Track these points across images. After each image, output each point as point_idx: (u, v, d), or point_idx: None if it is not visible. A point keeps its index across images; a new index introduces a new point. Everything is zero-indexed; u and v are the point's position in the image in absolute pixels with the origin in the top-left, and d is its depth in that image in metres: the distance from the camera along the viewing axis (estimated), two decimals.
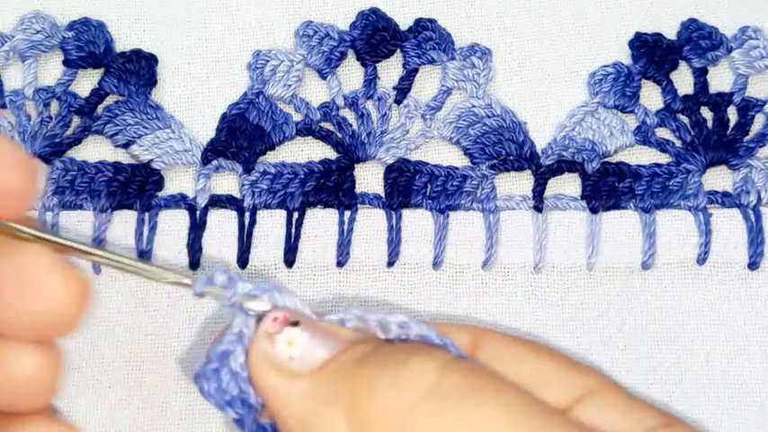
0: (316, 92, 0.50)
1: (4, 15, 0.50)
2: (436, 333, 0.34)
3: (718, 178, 0.49)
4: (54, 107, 0.49)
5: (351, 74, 0.50)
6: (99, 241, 0.47)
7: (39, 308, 0.31)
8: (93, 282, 0.33)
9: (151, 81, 0.49)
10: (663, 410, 0.35)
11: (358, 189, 0.48)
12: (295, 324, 0.34)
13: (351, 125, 0.49)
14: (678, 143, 0.49)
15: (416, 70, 0.50)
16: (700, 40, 0.50)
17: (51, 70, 0.50)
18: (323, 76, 0.50)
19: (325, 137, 0.49)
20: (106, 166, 0.48)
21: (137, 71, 0.49)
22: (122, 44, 0.50)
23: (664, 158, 0.49)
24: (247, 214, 0.47)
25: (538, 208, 0.48)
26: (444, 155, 0.49)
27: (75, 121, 0.49)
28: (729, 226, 0.48)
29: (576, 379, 0.35)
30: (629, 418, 0.34)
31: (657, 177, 0.48)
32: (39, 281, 0.31)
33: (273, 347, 0.33)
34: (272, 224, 0.47)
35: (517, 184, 0.49)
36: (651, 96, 0.50)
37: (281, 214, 0.48)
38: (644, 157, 0.49)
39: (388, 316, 0.35)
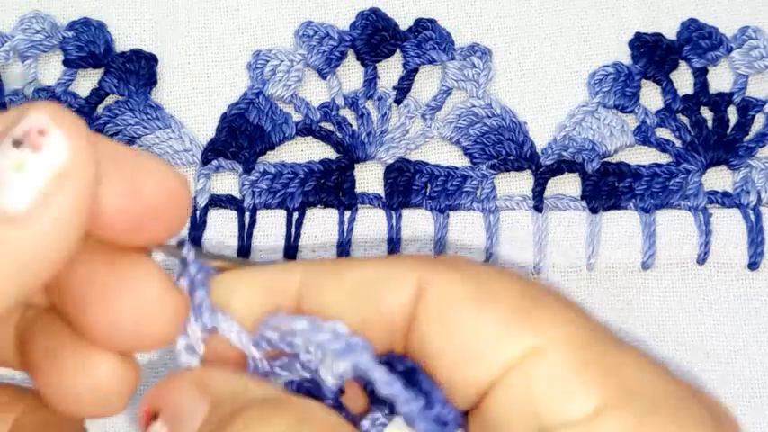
0: (316, 92, 0.50)
1: (4, 15, 0.50)
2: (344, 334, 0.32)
3: (718, 178, 0.49)
4: None
5: (351, 74, 0.50)
6: None
7: (142, 317, 0.30)
8: None
9: (151, 81, 0.49)
10: (626, 379, 0.29)
11: (358, 189, 0.48)
12: (155, 417, 0.32)
13: (351, 125, 0.49)
14: (678, 143, 0.49)
15: (416, 70, 0.50)
16: (700, 40, 0.50)
17: (51, 70, 0.50)
18: (323, 76, 0.50)
19: (325, 137, 0.49)
20: None
21: (137, 71, 0.49)
22: (122, 44, 0.50)
23: (664, 158, 0.49)
24: (247, 214, 0.47)
25: (538, 208, 0.48)
26: (444, 155, 0.49)
27: None
28: (729, 226, 0.48)
29: (521, 336, 0.29)
30: (565, 391, 0.28)
31: (657, 177, 0.48)
32: (147, 293, 0.30)
33: None
34: (272, 224, 0.47)
35: (517, 184, 0.49)
36: (651, 96, 0.50)
37: (281, 214, 0.48)
38: (644, 157, 0.49)
39: (323, 323, 0.32)
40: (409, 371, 0.32)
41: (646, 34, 0.50)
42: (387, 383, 0.30)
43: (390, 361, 0.32)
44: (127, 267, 0.30)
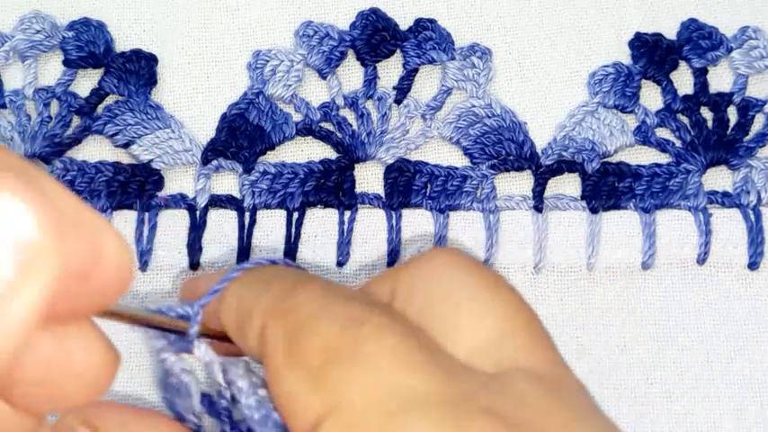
0: (316, 92, 0.50)
1: (4, 15, 0.50)
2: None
3: (718, 178, 0.49)
4: (54, 107, 0.49)
5: (351, 74, 0.50)
6: None
7: (69, 388, 0.27)
8: None
9: (151, 81, 0.49)
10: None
11: (358, 189, 0.48)
12: None
13: (351, 125, 0.49)
14: (678, 143, 0.49)
15: (416, 70, 0.50)
16: (700, 40, 0.50)
17: (51, 70, 0.50)
18: (323, 76, 0.50)
19: (325, 137, 0.49)
20: (106, 166, 0.48)
21: (137, 71, 0.49)
22: (122, 44, 0.50)
23: (664, 158, 0.49)
24: (247, 214, 0.47)
25: (538, 208, 0.48)
26: (444, 155, 0.49)
27: (76, 121, 0.49)
28: (729, 226, 0.48)
29: (486, 319, 0.32)
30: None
31: (657, 177, 0.48)
32: (82, 365, 0.27)
33: None
34: (272, 224, 0.47)
35: (517, 184, 0.49)
36: (651, 96, 0.50)
37: (281, 214, 0.48)
38: (644, 157, 0.49)
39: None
40: None
41: (646, 34, 0.50)
42: None
43: None
44: (69, 337, 0.27)
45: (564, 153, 0.49)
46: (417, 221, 0.48)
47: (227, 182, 0.48)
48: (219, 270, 0.45)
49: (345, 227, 0.47)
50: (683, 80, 0.50)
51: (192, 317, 0.34)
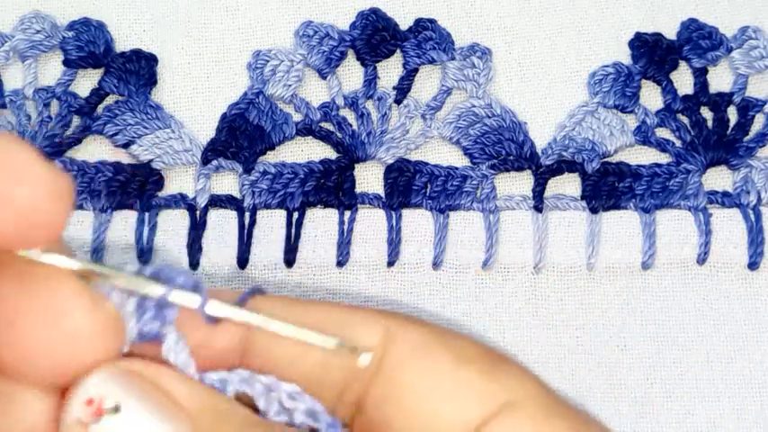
0: (316, 92, 0.50)
1: (4, 15, 0.50)
2: (325, 412, 0.30)
3: (719, 178, 0.49)
4: (54, 107, 0.49)
5: (351, 74, 0.50)
6: (99, 241, 0.47)
7: (62, 347, 0.26)
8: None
9: (151, 81, 0.49)
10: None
11: (358, 189, 0.48)
12: (117, 410, 0.27)
13: (351, 125, 0.49)
14: (678, 143, 0.49)
15: (416, 70, 0.50)
16: (700, 40, 0.50)
17: (51, 70, 0.50)
18: (323, 76, 0.50)
19: (325, 137, 0.49)
20: (106, 166, 0.48)
21: (137, 71, 0.49)
22: (122, 44, 0.50)
23: (664, 158, 0.49)
24: (247, 214, 0.47)
25: (538, 208, 0.48)
26: (444, 155, 0.49)
27: (76, 121, 0.49)
28: (729, 226, 0.48)
29: (496, 390, 0.31)
30: None
31: (657, 177, 0.48)
32: (65, 316, 0.26)
33: None
34: (272, 224, 0.47)
35: (517, 184, 0.49)
36: (651, 96, 0.50)
37: (281, 214, 0.48)
38: (644, 157, 0.49)
39: (281, 383, 0.30)
40: None
41: (646, 34, 0.50)
42: None
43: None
44: (38, 285, 0.26)
45: (564, 153, 0.49)
46: (417, 221, 0.48)
47: (227, 182, 0.48)
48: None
49: (345, 227, 0.47)
50: (683, 80, 0.50)
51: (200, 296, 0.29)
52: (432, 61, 0.50)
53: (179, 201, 0.48)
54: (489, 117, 0.49)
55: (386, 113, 0.49)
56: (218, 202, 0.48)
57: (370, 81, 0.49)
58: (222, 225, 0.47)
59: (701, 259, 0.48)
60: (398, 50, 0.50)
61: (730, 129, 0.50)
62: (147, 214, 0.47)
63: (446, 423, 0.30)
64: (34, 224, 0.25)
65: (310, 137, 0.49)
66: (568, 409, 0.32)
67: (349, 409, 0.32)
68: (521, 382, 0.31)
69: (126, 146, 0.48)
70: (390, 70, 0.50)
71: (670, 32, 0.51)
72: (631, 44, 0.50)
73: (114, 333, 0.27)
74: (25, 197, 0.24)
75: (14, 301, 0.26)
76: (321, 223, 0.47)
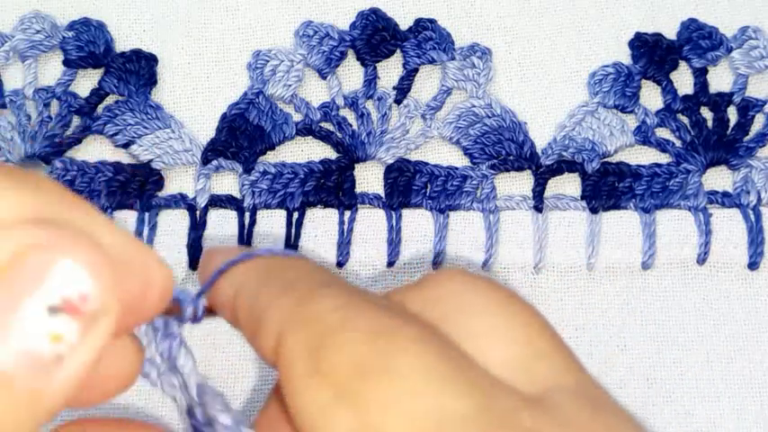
0: (316, 92, 0.50)
1: (4, 15, 0.50)
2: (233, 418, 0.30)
3: (719, 178, 0.49)
4: (54, 107, 0.49)
5: (351, 74, 0.50)
6: None
7: (98, 383, 0.28)
8: None
9: (151, 81, 0.49)
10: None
11: (358, 189, 0.48)
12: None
13: (351, 125, 0.49)
14: (678, 143, 0.49)
15: (416, 70, 0.50)
16: (700, 40, 0.50)
17: (51, 70, 0.50)
18: (323, 76, 0.50)
19: (325, 137, 0.49)
20: (106, 166, 0.48)
21: (137, 71, 0.49)
22: (122, 44, 0.50)
23: (664, 158, 0.49)
24: (247, 214, 0.47)
25: (538, 208, 0.48)
26: (444, 155, 0.49)
27: (76, 121, 0.49)
28: (729, 226, 0.48)
29: (513, 338, 0.30)
30: None
31: (657, 177, 0.48)
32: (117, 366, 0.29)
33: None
34: (272, 224, 0.47)
35: (517, 184, 0.49)
36: (651, 96, 0.50)
37: (281, 214, 0.48)
38: (644, 157, 0.49)
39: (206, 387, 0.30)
40: None
41: (646, 34, 0.50)
42: None
43: None
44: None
45: (564, 153, 0.49)
46: (417, 221, 0.48)
47: (227, 182, 0.48)
48: (239, 248, 0.40)
49: (345, 227, 0.47)
50: (683, 80, 0.50)
51: (183, 310, 0.32)
52: (432, 61, 0.50)
53: (179, 201, 0.48)
54: (489, 117, 0.49)
55: (386, 113, 0.49)
56: (218, 202, 0.48)
57: (370, 81, 0.49)
58: (222, 225, 0.47)
59: (701, 259, 0.48)
60: (398, 50, 0.50)
61: (730, 129, 0.50)
62: (147, 214, 0.47)
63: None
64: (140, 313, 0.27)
65: (310, 137, 0.49)
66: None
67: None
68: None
69: (126, 146, 0.48)
70: (390, 70, 0.50)
71: (670, 32, 0.51)
72: (631, 44, 0.50)
73: (139, 364, 0.30)
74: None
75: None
76: (321, 223, 0.47)
